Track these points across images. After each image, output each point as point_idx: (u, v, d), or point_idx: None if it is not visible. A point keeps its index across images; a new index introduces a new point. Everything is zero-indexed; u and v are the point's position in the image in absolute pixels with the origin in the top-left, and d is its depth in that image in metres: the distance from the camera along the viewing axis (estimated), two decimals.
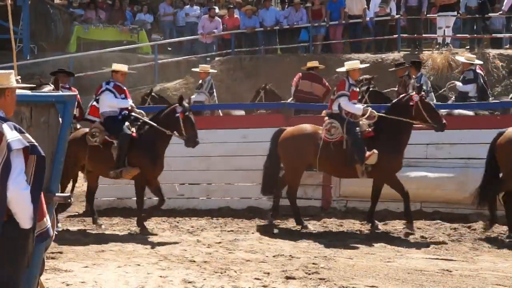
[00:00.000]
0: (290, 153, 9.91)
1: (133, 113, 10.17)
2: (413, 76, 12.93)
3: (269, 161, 10.15)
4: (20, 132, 4.10)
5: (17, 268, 4.11)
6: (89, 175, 10.49)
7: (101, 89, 10.21)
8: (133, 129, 9.99)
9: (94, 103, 10.44)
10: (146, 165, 9.85)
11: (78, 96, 11.00)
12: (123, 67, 10.42)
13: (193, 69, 14.36)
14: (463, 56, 13.57)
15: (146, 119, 10.17)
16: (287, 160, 10.01)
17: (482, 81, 12.75)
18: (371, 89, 12.64)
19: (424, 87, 12.50)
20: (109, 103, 10.10)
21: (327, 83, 13.60)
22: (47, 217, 4.25)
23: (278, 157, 10.06)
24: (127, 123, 10.02)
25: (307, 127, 10.03)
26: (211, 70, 13.78)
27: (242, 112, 13.68)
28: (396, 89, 13.37)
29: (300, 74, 13.59)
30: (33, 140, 4.10)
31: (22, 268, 4.15)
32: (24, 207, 4.02)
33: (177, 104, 9.97)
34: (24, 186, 4.01)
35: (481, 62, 13.31)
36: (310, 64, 13.69)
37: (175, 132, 9.89)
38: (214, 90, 13.85)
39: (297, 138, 9.92)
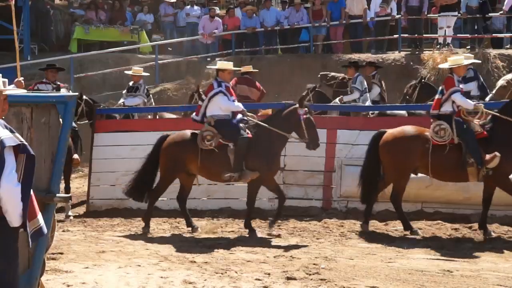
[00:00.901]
0: (396, 156, 9.43)
1: (245, 116, 9.84)
2: (349, 77, 13.25)
3: (368, 166, 9.72)
4: (11, 131, 4.11)
5: (9, 266, 4.10)
6: (187, 178, 10.05)
7: (214, 91, 9.77)
8: (248, 132, 9.67)
9: (200, 102, 10.02)
10: (264, 168, 9.57)
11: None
12: (229, 65, 10.01)
13: (126, 72, 13.89)
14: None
15: (258, 121, 9.82)
16: (392, 163, 9.51)
17: (481, 78, 12.82)
18: (317, 88, 13.19)
19: (359, 87, 12.74)
20: (223, 107, 9.73)
21: (261, 87, 13.77)
22: (40, 215, 4.25)
23: (378, 161, 9.65)
24: (242, 125, 9.72)
25: (411, 129, 9.61)
26: (143, 73, 13.36)
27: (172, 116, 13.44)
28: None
29: (236, 78, 13.71)
30: (23, 140, 4.12)
31: (14, 266, 4.15)
32: (14, 204, 4.04)
33: (296, 105, 9.62)
34: (16, 183, 4.04)
35: (479, 61, 13.32)
36: (245, 68, 13.71)
37: (293, 134, 9.62)
38: (150, 94, 13.77)
39: (402, 140, 9.47)
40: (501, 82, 12.47)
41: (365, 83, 13.48)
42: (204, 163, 9.68)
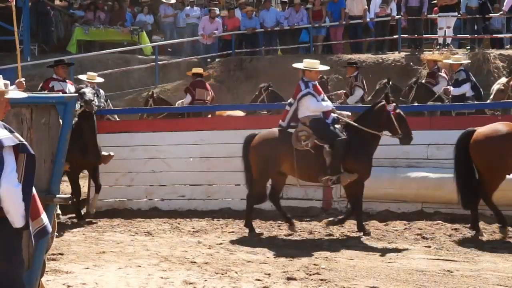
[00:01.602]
0: (496, 156, 9.04)
1: (337, 115, 9.60)
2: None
3: (462, 169, 9.36)
4: (10, 131, 4.11)
5: (11, 266, 4.10)
6: (278, 176, 9.75)
7: (302, 93, 9.47)
8: (344, 133, 9.43)
9: (287, 107, 9.69)
10: (362, 170, 9.35)
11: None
12: (316, 64, 9.75)
13: (79, 76, 13.64)
14: (450, 59, 13.69)
15: (350, 120, 9.58)
16: (492, 163, 9.11)
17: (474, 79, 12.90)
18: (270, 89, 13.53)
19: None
20: (311, 109, 9.45)
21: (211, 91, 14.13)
22: (44, 214, 4.25)
23: (471, 163, 9.28)
24: (338, 126, 9.50)
25: (503, 126, 9.27)
26: (98, 79, 12.97)
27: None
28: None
29: (193, 82, 13.85)
30: (22, 139, 4.12)
31: (16, 266, 4.15)
32: (16, 205, 4.02)
33: (383, 102, 9.43)
34: (16, 183, 4.02)
35: (468, 61, 13.39)
36: (196, 70, 13.54)
37: (385, 131, 9.43)
38: (108, 99, 13.73)
39: (500, 139, 9.09)
40: (497, 86, 12.53)
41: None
42: (299, 163, 9.35)
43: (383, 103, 9.43)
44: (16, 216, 4.05)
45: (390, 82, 13.54)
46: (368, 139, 9.42)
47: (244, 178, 9.87)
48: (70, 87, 11.19)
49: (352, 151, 9.30)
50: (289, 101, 9.76)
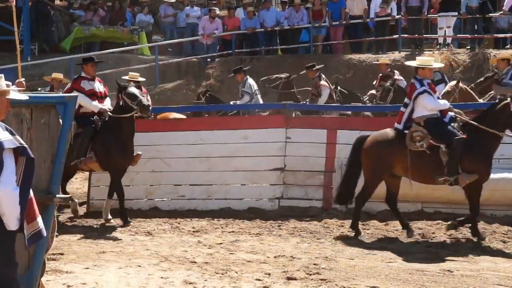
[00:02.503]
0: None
1: (455, 114, 9.29)
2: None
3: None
4: (11, 133, 4.10)
5: (5, 269, 4.10)
6: (391, 179, 9.51)
7: (417, 91, 9.17)
8: (462, 132, 9.11)
9: (402, 108, 9.39)
10: (482, 171, 8.97)
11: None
12: (430, 61, 9.53)
13: (44, 77, 13.43)
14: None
15: (468, 119, 9.25)
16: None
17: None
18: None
19: (249, 91, 13.04)
20: (429, 107, 9.17)
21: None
22: (39, 218, 4.24)
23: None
24: (454, 125, 9.20)
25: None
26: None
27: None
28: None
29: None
30: (23, 142, 4.11)
31: (11, 269, 4.14)
32: (12, 208, 4.02)
33: (508, 101, 9.02)
34: (14, 186, 4.02)
35: (442, 65, 13.45)
36: (132, 75, 13.11)
37: (507, 131, 9.03)
38: None
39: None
40: (446, 88, 12.57)
41: (255, 86, 13.67)
42: (414, 165, 9.07)
43: (507, 101, 9.07)
44: (11, 219, 4.04)
45: (395, 84, 13.55)
46: (488, 139, 9.00)
47: (343, 178, 9.81)
48: (99, 86, 10.81)
49: (471, 151, 8.94)
50: (404, 101, 9.48)
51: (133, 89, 10.25)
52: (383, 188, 9.72)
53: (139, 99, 10.04)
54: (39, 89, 13.53)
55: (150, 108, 10.28)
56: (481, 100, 12.43)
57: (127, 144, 10.24)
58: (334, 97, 13.66)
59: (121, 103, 10.18)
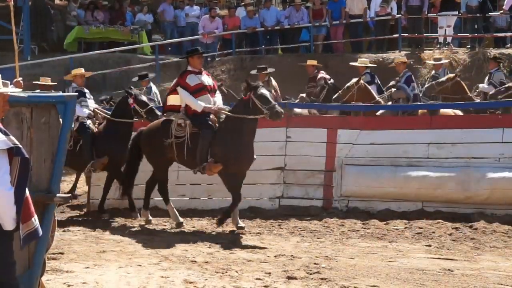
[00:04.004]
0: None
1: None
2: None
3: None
4: (5, 134, 4.10)
5: (3, 269, 4.10)
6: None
7: None
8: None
9: None
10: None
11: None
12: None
13: (34, 82, 13.01)
14: (356, 62, 13.93)
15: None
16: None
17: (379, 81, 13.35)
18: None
19: (154, 98, 13.51)
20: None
21: None
22: (35, 217, 4.24)
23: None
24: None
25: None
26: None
27: None
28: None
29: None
30: (17, 142, 4.11)
31: (9, 269, 4.15)
32: (7, 208, 4.02)
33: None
34: (8, 187, 4.01)
35: (374, 65, 13.55)
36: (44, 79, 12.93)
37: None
38: None
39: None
40: (347, 84, 12.82)
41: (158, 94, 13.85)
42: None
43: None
44: (7, 219, 4.05)
45: (329, 82, 13.68)
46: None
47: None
48: (208, 79, 10.11)
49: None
50: None
51: (265, 91, 9.55)
52: (384, 188, 9.74)
53: (272, 104, 9.35)
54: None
55: (282, 115, 9.47)
56: (477, 99, 12.45)
57: (249, 146, 9.64)
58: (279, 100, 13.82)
59: (249, 104, 9.44)
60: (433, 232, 9.30)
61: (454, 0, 17.88)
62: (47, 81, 12.64)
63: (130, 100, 10.81)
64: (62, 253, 8.13)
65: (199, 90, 9.80)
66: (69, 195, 5.99)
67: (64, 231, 9.65)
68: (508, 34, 18.61)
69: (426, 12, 18.28)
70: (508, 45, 18.45)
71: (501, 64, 14.12)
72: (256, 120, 9.53)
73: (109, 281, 6.94)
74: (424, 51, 17.70)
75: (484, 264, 7.67)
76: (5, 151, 4.04)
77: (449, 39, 18.11)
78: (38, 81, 12.78)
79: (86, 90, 11.49)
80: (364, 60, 13.74)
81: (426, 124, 11.10)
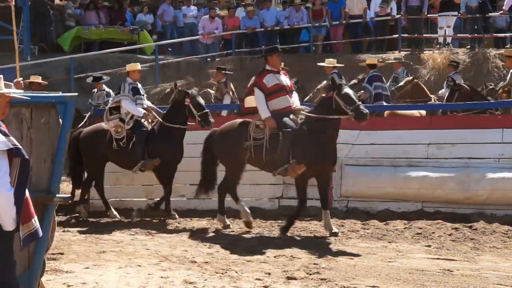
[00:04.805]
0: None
1: None
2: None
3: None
4: (5, 135, 4.10)
5: (3, 269, 4.11)
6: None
7: None
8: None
9: None
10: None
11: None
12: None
13: (15, 80, 13.29)
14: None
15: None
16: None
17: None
18: None
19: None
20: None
21: None
22: (35, 218, 4.25)
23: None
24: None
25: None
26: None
27: None
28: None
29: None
30: (17, 143, 4.11)
31: (9, 269, 4.15)
32: (7, 209, 4.03)
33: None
34: (8, 187, 4.02)
35: (341, 65, 13.63)
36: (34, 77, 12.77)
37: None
38: None
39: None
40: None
41: (111, 95, 13.56)
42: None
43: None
44: (7, 220, 4.05)
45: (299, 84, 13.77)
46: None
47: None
48: (286, 79, 9.73)
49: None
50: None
51: (349, 90, 9.18)
52: (383, 188, 9.74)
53: (357, 105, 8.99)
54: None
55: (368, 116, 9.08)
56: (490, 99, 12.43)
57: (332, 146, 9.33)
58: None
59: (332, 104, 9.09)
60: (433, 233, 9.30)
61: (454, 0, 17.87)
62: (37, 79, 12.55)
63: (187, 101, 10.64)
64: (62, 254, 8.13)
65: (277, 91, 9.46)
66: (69, 195, 5.99)
67: (63, 231, 9.66)
68: (508, 34, 18.63)
69: (425, 13, 18.28)
70: (508, 46, 18.46)
71: (458, 67, 14.31)
72: (338, 120, 9.20)
73: (108, 281, 6.94)
74: (424, 52, 17.70)
75: (484, 265, 7.67)
76: (5, 152, 4.05)
77: (449, 40, 18.11)
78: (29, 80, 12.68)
79: (139, 86, 11.24)
80: (331, 60, 13.87)
81: (426, 124, 11.11)
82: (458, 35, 18.85)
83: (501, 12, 18.26)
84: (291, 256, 8.04)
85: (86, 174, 11.43)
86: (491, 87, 12.96)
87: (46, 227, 4.89)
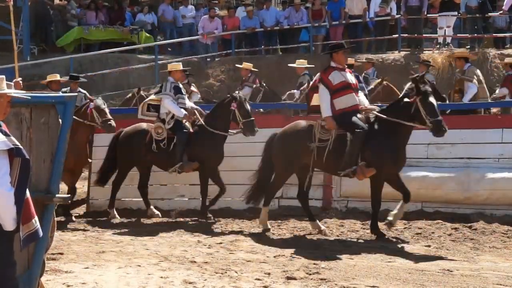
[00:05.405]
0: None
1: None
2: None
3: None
4: (6, 134, 4.11)
5: (3, 269, 4.11)
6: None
7: None
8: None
9: None
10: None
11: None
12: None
13: (15, 80, 13.18)
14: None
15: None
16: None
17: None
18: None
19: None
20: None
21: None
22: (36, 218, 4.25)
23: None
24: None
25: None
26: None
27: None
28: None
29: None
30: (18, 143, 4.11)
31: (10, 269, 4.15)
32: (7, 209, 4.03)
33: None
34: (9, 187, 4.02)
35: (312, 66, 13.63)
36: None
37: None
38: None
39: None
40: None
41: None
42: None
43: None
44: (7, 220, 4.06)
45: (265, 85, 14.04)
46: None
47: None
48: (351, 77, 9.43)
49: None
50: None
51: (435, 101, 8.82)
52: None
53: (439, 119, 8.69)
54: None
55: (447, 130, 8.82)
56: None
57: (403, 150, 9.07)
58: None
59: (411, 108, 8.81)
60: (433, 233, 9.30)
61: (454, 0, 17.87)
62: (55, 77, 12.46)
63: (233, 105, 10.37)
64: (61, 254, 8.13)
65: (343, 89, 9.12)
66: (69, 195, 6.00)
67: (63, 231, 9.66)
68: (508, 34, 18.63)
69: (425, 12, 18.28)
70: (508, 46, 18.47)
71: (429, 66, 14.33)
72: (411, 127, 8.92)
73: (108, 281, 6.94)
74: (424, 52, 17.70)
75: (484, 265, 7.67)
76: (5, 152, 4.05)
77: (448, 40, 18.11)
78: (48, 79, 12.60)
79: (181, 86, 11.10)
80: (302, 61, 13.95)
81: None
82: (458, 35, 18.85)
83: (501, 12, 18.25)
84: (291, 256, 8.04)
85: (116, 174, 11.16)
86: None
87: (46, 227, 4.89)
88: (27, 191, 4.15)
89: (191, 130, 10.66)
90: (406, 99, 8.88)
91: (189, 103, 11.01)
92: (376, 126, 9.01)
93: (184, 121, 10.70)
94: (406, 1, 18.11)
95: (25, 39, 19.18)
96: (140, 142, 10.72)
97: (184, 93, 11.01)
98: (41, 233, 4.30)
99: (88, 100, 11.05)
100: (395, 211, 9.13)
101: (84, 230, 10.00)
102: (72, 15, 20.87)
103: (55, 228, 5.59)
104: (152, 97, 11.16)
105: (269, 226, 9.60)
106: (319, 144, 9.14)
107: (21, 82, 8.59)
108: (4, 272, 4.12)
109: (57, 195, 5.06)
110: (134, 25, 20.57)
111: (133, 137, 10.90)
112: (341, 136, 9.02)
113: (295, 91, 13.26)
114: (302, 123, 9.60)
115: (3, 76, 4.32)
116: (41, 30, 20.30)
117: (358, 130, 8.89)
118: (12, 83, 4.48)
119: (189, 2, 21.06)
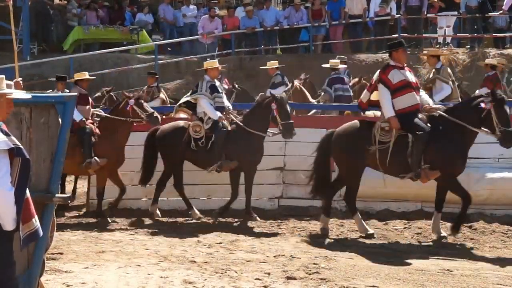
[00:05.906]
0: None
1: None
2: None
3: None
4: (6, 134, 4.10)
5: (3, 269, 4.11)
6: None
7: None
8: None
9: None
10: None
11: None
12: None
13: (15, 80, 12.98)
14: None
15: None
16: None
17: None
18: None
19: None
20: None
21: None
22: (35, 218, 4.25)
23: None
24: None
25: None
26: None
27: None
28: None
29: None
30: (18, 143, 4.11)
31: (9, 268, 4.15)
32: (7, 208, 4.03)
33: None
34: (9, 187, 4.02)
35: (282, 66, 13.87)
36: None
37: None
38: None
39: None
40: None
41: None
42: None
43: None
44: (7, 219, 4.06)
45: (237, 86, 14.20)
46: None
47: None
48: (411, 75, 9.18)
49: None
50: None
51: (508, 110, 8.66)
52: (383, 188, 9.73)
53: (509, 130, 8.42)
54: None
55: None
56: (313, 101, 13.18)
57: (466, 151, 8.88)
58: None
59: (481, 113, 8.55)
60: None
61: (454, 0, 17.88)
62: (84, 75, 12.11)
63: (274, 106, 10.07)
64: (61, 253, 8.12)
65: (403, 88, 8.84)
66: (68, 195, 5.99)
67: (63, 231, 9.65)
68: (508, 34, 18.64)
69: (425, 12, 18.29)
70: (508, 45, 18.48)
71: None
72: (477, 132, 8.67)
73: (108, 281, 6.94)
74: (424, 51, 17.69)
75: (484, 264, 7.67)
76: (6, 152, 4.05)
77: (448, 39, 18.12)
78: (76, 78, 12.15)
79: (217, 84, 10.90)
80: (273, 62, 13.98)
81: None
82: (457, 35, 18.86)
83: (501, 12, 18.27)
84: (291, 256, 8.04)
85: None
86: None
87: (46, 226, 4.88)
88: (27, 191, 4.15)
89: (229, 128, 10.50)
90: (476, 102, 8.62)
91: (226, 102, 10.85)
92: (439, 128, 8.74)
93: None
94: (406, 1, 18.12)
95: (25, 39, 19.18)
96: (179, 140, 10.57)
97: (221, 90, 10.81)
98: (41, 233, 4.30)
99: (125, 98, 10.90)
100: (432, 223, 9.05)
101: (83, 230, 9.99)
102: (73, 14, 20.87)
103: (55, 228, 5.58)
104: (187, 97, 10.98)
105: (371, 231, 9.17)
106: (380, 147, 8.87)
107: (21, 82, 8.58)
108: (4, 272, 4.12)
109: (56, 195, 5.06)
110: (134, 25, 20.57)
111: (172, 135, 10.73)
112: (401, 137, 8.77)
113: (269, 90, 13.21)
114: (358, 123, 9.30)
115: (3, 76, 4.31)
116: (41, 30, 20.29)
117: (420, 133, 8.63)
118: (12, 83, 4.47)
119: (190, 2, 21.05)
